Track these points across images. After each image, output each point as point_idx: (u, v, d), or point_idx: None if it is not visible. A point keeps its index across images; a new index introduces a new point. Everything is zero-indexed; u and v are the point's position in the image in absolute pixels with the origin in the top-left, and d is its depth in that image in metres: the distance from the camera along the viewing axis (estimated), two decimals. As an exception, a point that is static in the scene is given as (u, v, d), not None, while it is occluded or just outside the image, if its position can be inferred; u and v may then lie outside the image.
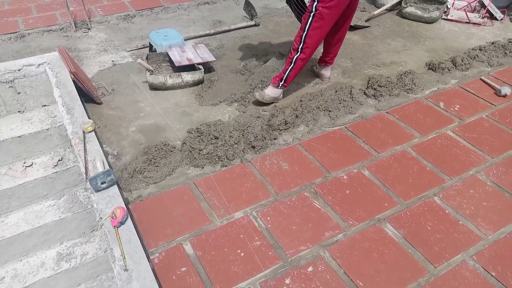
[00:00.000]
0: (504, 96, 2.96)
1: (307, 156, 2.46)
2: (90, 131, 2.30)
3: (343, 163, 2.41)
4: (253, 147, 2.49)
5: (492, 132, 2.65)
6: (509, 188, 2.24)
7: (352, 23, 3.93)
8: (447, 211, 2.10)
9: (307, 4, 2.58)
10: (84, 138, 2.24)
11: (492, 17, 4.15)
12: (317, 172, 2.34)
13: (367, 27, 4.00)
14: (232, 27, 4.00)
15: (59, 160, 2.23)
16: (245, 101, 2.93)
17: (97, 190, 1.90)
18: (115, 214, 1.75)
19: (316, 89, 3.08)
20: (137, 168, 2.30)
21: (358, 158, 2.44)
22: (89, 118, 2.62)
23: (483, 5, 4.18)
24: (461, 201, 2.16)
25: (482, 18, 4.07)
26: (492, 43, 3.64)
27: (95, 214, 1.85)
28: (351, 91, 2.99)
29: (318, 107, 2.83)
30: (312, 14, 2.54)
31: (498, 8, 4.15)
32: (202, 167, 2.37)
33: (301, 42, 2.66)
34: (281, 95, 2.95)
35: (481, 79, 3.15)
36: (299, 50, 2.69)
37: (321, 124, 2.73)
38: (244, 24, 4.05)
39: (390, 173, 2.33)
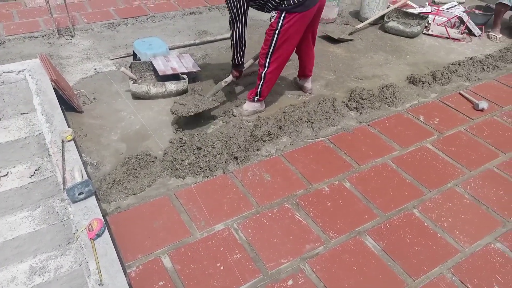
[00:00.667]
0: (482, 110, 3.03)
1: (289, 167, 2.46)
2: (70, 140, 2.26)
3: (325, 174, 2.42)
4: (236, 158, 2.49)
5: (470, 145, 2.70)
6: (485, 201, 2.28)
7: (335, 36, 4.00)
8: (426, 224, 2.13)
9: (271, 21, 2.56)
10: (63, 147, 2.20)
11: (470, 33, 4.26)
12: (299, 184, 2.35)
13: (350, 40, 4.07)
14: (218, 37, 4.01)
15: (36, 170, 2.18)
16: (229, 112, 2.92)
17: (74, 201, 1.87)
18: (92, 226, 1.71)
19: (299, 101, 3.11)
20: (116, 179, 2.27)
21: (340, 170, 2.46)
22: (69, 126, 2.58)
23: (462, 22, 4.30)
24: (440, 214, 2.19)
25: (461, 34, 4.18)
26: (471, 58, 3.74)
27: (71, 226, 1.81)
28: (333, 103, 3.02)
29: (301, 119, 2.85)
30: (277, 31, 2.54)
31: (477, 24, 4.27)
32: (184, 178, 2.35)
33: (267, 58, 2.67)
34: (263, 106, 2.96)
35: (460, 93, 3.23)
36: (266, 65, 2.70)
37: (304, 135, 2.74)
38: (229, 34, 4.06)
39: (370, 185, 2.35)
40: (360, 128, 2.82)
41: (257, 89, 2.82)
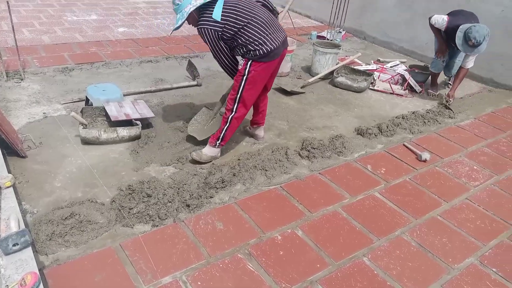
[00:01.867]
0: (425, 161, 3.21)
1: (242, 215, 2.44)
2: (8, 187, 2.13)
3: (278, 222, 2.41)
4: (188, 205, 2.43)
5: (415, 194, 2.83)
6: (431, 249, 2.36)
7: (288, 89, 4.18)
8: (375, 272, 2.15)
9: (239, 67, 2.70)
10: (0, 194, 2.05)
11: (412, 89, 4.61)
12: (252, 232, 2.32)
13: (302, 93, 4.26)
14: (174, 85, 4.05)
15: (-33, 219, 2.01)
16: (183, 158, 2.90)
17: (7, 253, 1.72)
18: (24, 281, 1.57)
19: (253, 149, 3.15)
20: (56, 230, 2.12)
21: (292, 218, 2.46)
22: (9, 172, 2.43)
23: (404, 79, 4.66)
24: (388, 262, 2.23)
25: (404, 90, 4.52)
26: (413, 112, 4.02)
27: (1, 281, 1.65)
28: (286, 151, 3.08)
29: (255, 166, 2.87)
30: (245, 77, 2.66)
31: (417, 82, 4.64)
32: (132, 227, 2.25)
33: (235, 103, 2.75)
34: (219, 154, 2.97)
35: (404, 145, 3.42)
36: (234, 110, 2.78)
37: (258, 183, 2.75)
38: (186, 83, 4.13)
39: (322, 233, 2.37)
40: (312, 176, 2.88)
41: (221, 133, 2.84)
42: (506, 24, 4.83)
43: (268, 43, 2.61)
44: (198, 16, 2.59)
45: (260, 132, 3.27)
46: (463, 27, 3.79)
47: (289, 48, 4.39)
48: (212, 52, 2.71)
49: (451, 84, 4.55)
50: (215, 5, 2.52)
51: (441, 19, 4.06)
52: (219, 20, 2.49)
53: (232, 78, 2.84)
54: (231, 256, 2.14)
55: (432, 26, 4.19)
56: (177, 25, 2.59)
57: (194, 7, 2.51)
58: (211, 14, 2.50)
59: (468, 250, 2.38)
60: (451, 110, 4.14)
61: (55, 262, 1.97)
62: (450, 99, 4.19)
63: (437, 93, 4.52)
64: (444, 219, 2.62)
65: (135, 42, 5.16)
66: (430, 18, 4.17)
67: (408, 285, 2.10)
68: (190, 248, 2.15)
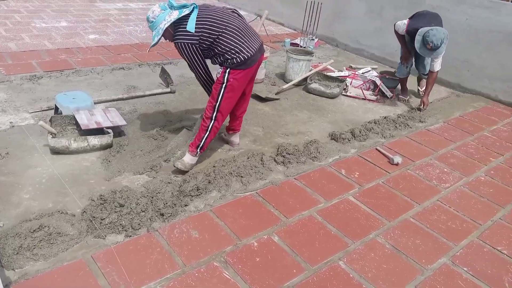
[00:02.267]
0: (397, 164, 3.28)
1: (218, 223, 2.42)
2: (-29, 200, 2.03)
3: (254, 229, 2.40)
4: (162, 214, 2.39)
5: (388, 197, 2.88)
6: (404, 250, 2.40)
7: (263, 95, 4.20)
8: (351, 275, 2.17)
9: (217, 76, 2.71)
10: (-38, 207, 1.96)
11: (383, 95, 4.72)
12: (228, 240, 2.30)
13: (277, 99, 4.28)
14: (147, 92, 4.00)
15: None
16: (156, 167, 2.85)
17: (-30, 269, 1.63)
18: (-12, 298, 1.50)
19: (229, 155, 3.13)
20: (25, 243, 2.04)
21: (268, 224, 2.46)
22: (-28, 184, 2.33)
23: (375, 85, 4.76)
24: (364, 265, 2.25)
25: (375, 95, 4.61)
26: (385, 117, 4.11)
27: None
28: (262, 158, 3.08)
29: (231, 173, 2.86)
30: (223, 85, 2.67)
31: (388, 88, 4.75)
32: (104, 238, 2.19)
33: (214, 111, 2.74)
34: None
35: (376, 149, 3.49)
36: (213, 118, 2.76)
37: (233, 189, 2.74)
38: (160, 90, 4.09)
39: (298, 238, 2.37)
40: (287, 181, 2.89)
41: (201, 142, 2.81)
42: (470, 32, 5.03)
43: (245, 50, 2.63)
44: (173, 31, 2.62)
45: (235, 138, 3.26)
46: (422, 31, 3.86)
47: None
48: (189, 66, 2.74)
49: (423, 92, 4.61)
50: (189, 18, 2.57)
51: (402, 24, 4.16)
52: (193, 32, 2.53)
53: (209, 94, 2.85)
54: (207, 264, 2.11)
55: (396, 32, 4.29)
56: (154, 42, 2.63)
57: (169, 23, 2.56)
58: (186, 27, 2.54)
59: (440, 250, 2.44)
60: (421, 110, 4.29)
61: (22, 277, 1.89)
62: (425, 107, 4.30)
63: (407, 98, 4.64)
64: (417, 221, 2.67)
65: (107, 49, 5.07)
66: (394, 25, 4.29)
67: (383, 287, 2.13)
68: (165, 258, 2.11)
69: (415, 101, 4.66)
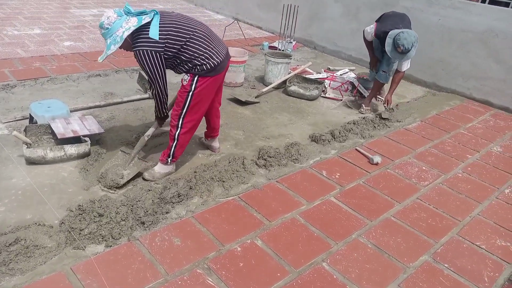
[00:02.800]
0: (376, 164, 3.32)
1: (200, 229, 2.39)
2: None
3: (237, 234, 2.39)
4: (143, 223, 2.35)
5: (369, 197, 2.91)
6: (387, 249, 2.42)
7: (243, 99, 4.19)
8: (335, 276, 2.18)
9: (183, 83, 2.59)
10: None
11: (361, 95, 4.77)
12: (210, 246, 2.27)
13: (257, 102, 4.29)
14: (125, 99, 3.94)
15: None
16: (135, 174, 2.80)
17: None
18: (-39, 317, 1.44)
19: (210, 160, 3.11)
20: (0, 257, 1.98)
21: (251, 228, 2.45)
22: None
23: (354, 86, 4.82)
24: (347, 265, 2.26)
25: (354, 96, 4.66)
26: (363, 118, 4.16)
27: None
28: (243, 161, 3.07)
29: (212, 178, 2.84)
30: (191, 92, 2.58)
31: (366, 88, 4.81)
32: (83, 249, 2.13)
33: (179, 119, 2.67)
34: (174, 168, 2.90)
35: (356, 149, 3.53)
36: (179, 126, 2.69)
37: (216, 195, 2.72)
38: (138, 96, 4.03)
39: (281, 242, 2.36)
40: (269, 184, 2.89)
41: (170, 151, 2.76)
42: (443, 32, 5.15)
43: (214, 56, 2.56)
44: (131, 40, 2.44)
45: (215, 143, 3.24)
46: (392, 33, 3.84)
47: (241, 59, 4.46)
48: (149, 77, 2.52)
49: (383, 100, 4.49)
50: (149, 25, 2.39)
51: (369, 29, 4.17)
52: (158, 39, 2.37)
53: (160, 113, 2.77)
54: (190, 272, 2.08)
55: (364, 39, 4.30)
56: (110, 51, 2.41)
57: (129, 31, 2.36)
58: (148, 34, 2.36)
59: (421, 248, 2.47)
60: (388, 118, 4.14)
61: (-3, 293, 1.83)
62: (390, 105, 4.22)
63: (383, 98, 4.69)
64: (398, 220, 2.71)
65: (82, 56, 4.98)
66: (363, 31, 4.29)
67: (367, 286, 2.14)
68: (147, 267, 2.07)
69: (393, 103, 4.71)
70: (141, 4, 8.20)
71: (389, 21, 4.06)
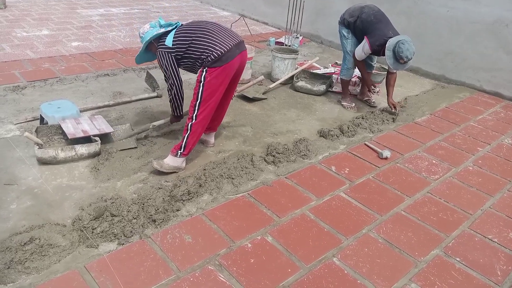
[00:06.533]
0: (386, 158, 3.31)
1: (211, 226, 2.41)
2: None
3: (247, 230, 2.40)
4: (154, 221, 2.38)
5: (379, 191, 2.90)
6: (397, 244, 2.42)
7: (250, 96, 4.19)
8: (346, 272, 2.18)
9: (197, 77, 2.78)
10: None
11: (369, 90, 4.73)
12: (221, 243, 2.29)
13: (264, 99, 4.29)
14: (133, 98, 3.97)
15: None
16: (146, 172, 2.83)
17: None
18: (-20, 315, 1.47)
19: (219, 158, 3.13)
20: (16, 256, 2.01)
21: (262, 224, 2.46)
22: (-42, 200, 2.28)
23: (361, 80, 4.78)
24: (358, 260, 2.26)
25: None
26: (372, 112, 4.13)
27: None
28: (252, 158, 3.08)
29: (222, 175, 2.85)
30: (201, 83, 2.73)
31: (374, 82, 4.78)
32: (96, 247, 2.17)
33: (195, 110, 2.79)
34: (184, 164, 2.92)
35: (365, 144, 3.51)
36: (194, 117, 2.80)
37: (225, 192, 2.73)
38: (146, 95, 4.06)
39: (291, 237, 2.37)
40: (278, 181, 2.90)
41: (183, 142, 2.83)
42: (452, 24, 5.09)
43: (217, 47, 2.72)
44: (157, 44, 2.90)
45: (210, 138, 3.28)
46: (389, 46, 3.66)
47: (248, 55, 4.44)
48: (165, 74, 2.88)
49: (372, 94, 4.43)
50: (168, 34, 2.85)
51: (362, 49, 3.89)
52: (171, 45, 2.80)
53: (177, 109, 3.09)
54: (201, 268, 2.10)
55: (356, 61, 4.03)
56: (138, 54, 3.03)
57: (153, 37, 2.87)
58: (165, 41, 2.83)
59: (432, 242, 2.46)
60: (395, 115, 4.05)
61: (14, 291, 1.86)
62: (395, 108, 4.08)
63: (378, 90, 4.66)
64: (408, 214, 2.69)
65: (90, 56, 5.02)
66: (353, 54, 4.01)
67: (378, 281, 2.14)
68: (159, 264, 2.10)
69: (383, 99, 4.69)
70: (147, 2, 8.23)
71: (376, 31, 3.80)
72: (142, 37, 2.95)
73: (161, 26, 2.94)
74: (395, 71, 3.99)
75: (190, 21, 3.04)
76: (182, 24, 2.94)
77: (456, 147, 3.64)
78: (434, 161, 3.36)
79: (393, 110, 4.12)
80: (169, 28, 2.89)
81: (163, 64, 2.83)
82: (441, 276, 2.22)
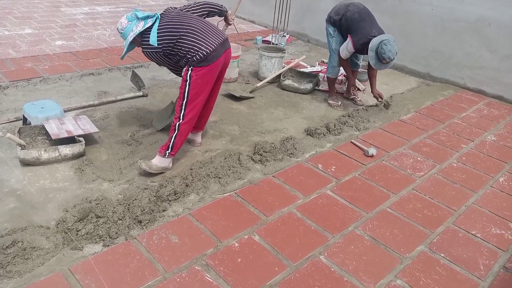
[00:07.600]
0: (372, 156, 3.33)
1: (198, 226, 2.40)
2: None
3: (234, 230, 2.40)
4: (140, 221, 2.35)
5: (365, 189, 2.92)
6: (383, 241, 2.44)
7: (237, 94, 4.18)
8: (332, 269, 2.19)
9: (183, 73, 2.76)
10: None
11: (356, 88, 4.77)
12: (208, 242, 2.28)
13: (251, 97, 4.28)
14: (119, 97, 3.92)
15: None
16: (132, 173, 2.80)
17: None
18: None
19: (206, 157, 3.11)
20: (-4, 259, 1.98)
21: (249, 223, 2.46)
22: None
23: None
24: (344, 258, 2.28)
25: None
26: (358, 110, 4.16)
27: None
28: (239, 157, 3.08)
29: (209, 175, 2.84)
30: (187, 82, 2.72)
31: (361, 81, 4.82)
32: (81, 249, 2.14)
33: (181, 109, 2.77)
34: (171, 165, 2.90)
35: (351, 142, 3.53)
36: (181, 117, 2.78)
37: (212, 191, 2.72)
38: (132, 94, 4.02)
39: (278, 236, 2.38)
40: (266, 179, 2.90)
41: (170, 142, 2.81)
42: (436, 22, 5.15)
43: (203, 47, 2.70)
44: (140, 39, 2.78)
45: (197, 138, 3.27)
46: (372, 46, 3.66)
47: (235, 54, 4.43)
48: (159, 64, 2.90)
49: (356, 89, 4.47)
50: (151, 30, 2.71)
51: (346, 47, 3.89)
52: (156, 45, 2.69)
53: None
54: (188, 269, 2.09)
55: (341, 60, 4.02)
56: (123, 54, 2.85)
57: (135, 35, 2.71)
58: (149, 40, 2.70)
59: (417, 238, 2.49)
60: (387, 104, 4.17)
61: (-4, 296, 1.83)
62: (381, 98, 4.16)
63: (363, 88, 4.73)
64: (394, 211, 2.72)
65: (75, 55, 4.95)
66: (339, 52, 4.01)
67: (364, 278, 2.16)
68: (145, 265, 2.08)
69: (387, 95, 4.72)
70: (132, 0, 8.14)
71: (360, 29, 3.80)
72: (122, 33, 2.80)
73: (138, 19, 2.77)
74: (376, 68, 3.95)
75: (169, 12, 2.88)
76: (160, 16, 2.79)
77: (440, 144, 3.69)
78: (419, 158, 3.40)
79: (379, 100, 4.18)
80: (149, 22, 2.73)
81: (153, 59, 2.84)
82: (426, 272, 2.25)
